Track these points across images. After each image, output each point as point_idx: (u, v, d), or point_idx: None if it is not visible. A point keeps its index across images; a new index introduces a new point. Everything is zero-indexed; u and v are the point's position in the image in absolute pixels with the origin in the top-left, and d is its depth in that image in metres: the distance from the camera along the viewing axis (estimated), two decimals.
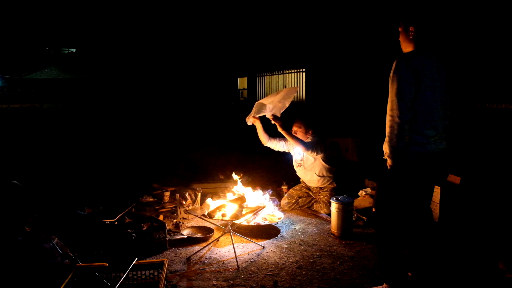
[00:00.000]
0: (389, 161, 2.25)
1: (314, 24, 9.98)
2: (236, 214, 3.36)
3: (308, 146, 4.06)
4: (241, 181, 4.10)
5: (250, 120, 4.06)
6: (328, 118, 8.93)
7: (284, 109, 4.02)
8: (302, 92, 11.29)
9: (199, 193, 4.41)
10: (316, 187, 4.39)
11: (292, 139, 4.09)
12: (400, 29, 2.34)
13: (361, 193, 4.33)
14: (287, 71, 11.78)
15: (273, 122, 4.04)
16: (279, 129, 4.05)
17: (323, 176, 4.29)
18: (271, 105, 3.95)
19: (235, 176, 4.11)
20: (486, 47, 5.64)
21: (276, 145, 4.38)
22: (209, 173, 5.72)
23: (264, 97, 12.78)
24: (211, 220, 3.52)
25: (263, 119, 4.15)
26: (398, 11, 2.35)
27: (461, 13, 5.89)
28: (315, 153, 4.11)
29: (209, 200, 3.69)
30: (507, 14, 5.36)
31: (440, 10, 5.89)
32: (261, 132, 4.24)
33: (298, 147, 4.17)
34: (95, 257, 2.76)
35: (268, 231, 3.62)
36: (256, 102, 4.01)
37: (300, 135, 4.24)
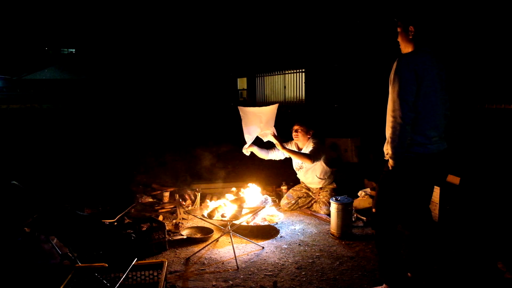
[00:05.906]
0: (391, 162, 2.24)
1: (313, 24, 9.99)
2: (236, 214, 3.36)
3: (313, 158, 4.04)
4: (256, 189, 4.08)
5: (247, 151, 4.09)
6: (327, 118, 8.94)
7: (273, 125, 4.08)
8: (301, 93, 11.31)
9: (199, 194, 4.41)
10: (316, 188, 4.39)
11: (295, 155, 4.13)
12: (399, 30, 2.32)
13: (361, 193, 4.33)
14: (287, 72, 11.79)
15: (275, 141, 4.08)
16: (280, 148, 4.09)
17: (323, 178, 4.29)
18: (267, 126, 3.99)
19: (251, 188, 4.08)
20: (486, 47, 5.64)
21: (277, 155, 4.38)
22: (212, 173, 5.71)
23: (263, 98, 12.86)
24: (210, 221, 3.52)
25: (256, 142, 4.16)
26: (397, 11, 2.33)
27: (461, 12, 5.89)
28: (319, 160, 4.14)
29: (210, 203, 3.68)
30: (507, 14, 5.36)
31: (439, 10, 5.90)
32: (260, 152, 4.26)
33: (302, 161, 4.20)
34: (94, 258, 2.75)
35: (267, 232, 3.62)
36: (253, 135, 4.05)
37: (301, 134, 4.25)
